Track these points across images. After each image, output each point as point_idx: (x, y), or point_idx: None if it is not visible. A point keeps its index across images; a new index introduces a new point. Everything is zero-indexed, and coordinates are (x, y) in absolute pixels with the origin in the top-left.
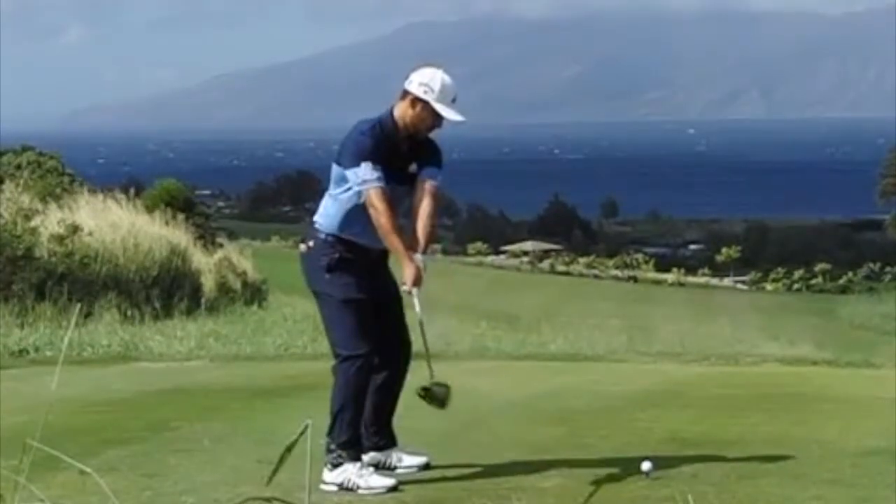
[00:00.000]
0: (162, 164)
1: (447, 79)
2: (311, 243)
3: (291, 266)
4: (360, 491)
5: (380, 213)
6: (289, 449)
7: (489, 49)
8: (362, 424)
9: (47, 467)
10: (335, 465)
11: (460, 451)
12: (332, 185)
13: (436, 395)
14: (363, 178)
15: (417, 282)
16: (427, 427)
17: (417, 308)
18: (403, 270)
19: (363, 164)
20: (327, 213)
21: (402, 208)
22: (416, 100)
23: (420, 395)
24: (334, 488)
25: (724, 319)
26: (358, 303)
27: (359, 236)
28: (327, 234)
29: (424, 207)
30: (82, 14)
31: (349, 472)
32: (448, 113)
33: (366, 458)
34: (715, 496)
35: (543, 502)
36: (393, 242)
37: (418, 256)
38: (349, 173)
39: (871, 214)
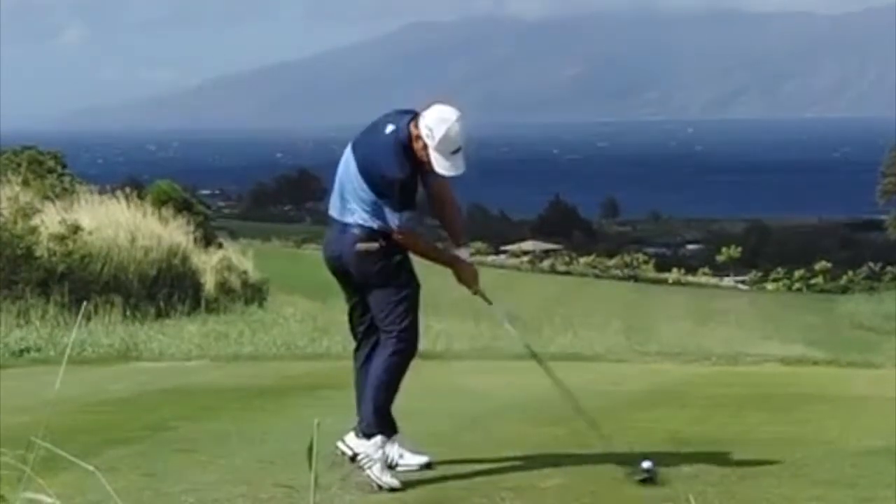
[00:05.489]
0: (162, 164)
1: (455, 129)
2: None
3: (292, 266)
4: (369, 472)
5: (415, 244)
6: (310, 449)
7: (489, 49)
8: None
9: (47, 467)
10: (368, 435)
11: (460, 451)
12: (353, 189)
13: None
14: (401, 224)
15: (475, 278)
16: (427, 428)
17: (498, 314)
18: (458, 275)
19: (405, 214)
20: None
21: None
22: (420, 136)
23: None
24: (350, 452)
25: (725, 319)
26: None
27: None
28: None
29: (447, 196)
30: (82, 14)
31: (374, 448)
32: (439, 164)
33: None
34: (715, 496)
35: (543, 502)
36: (436, 257)
37: (463, 252)
38: (388, 213)
39: (871, 214)
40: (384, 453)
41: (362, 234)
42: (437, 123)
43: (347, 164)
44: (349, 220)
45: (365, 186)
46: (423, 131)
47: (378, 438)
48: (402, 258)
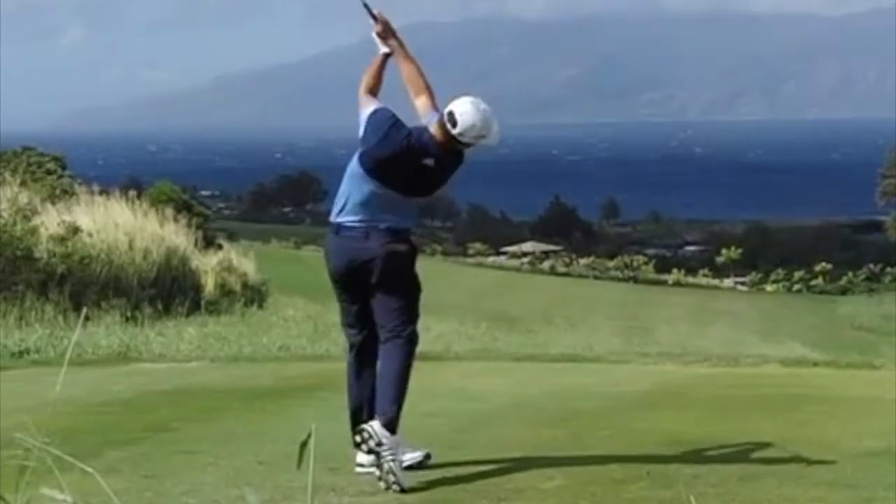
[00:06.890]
0: (162, 166)
1: (488, 119)
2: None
3: (291, 268)
4: (391, 464)
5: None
6: (302, 447)
7: (489, 49)
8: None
9: (47, 468)
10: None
11: (461, 452)
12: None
13: None
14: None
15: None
16: (427, 428)
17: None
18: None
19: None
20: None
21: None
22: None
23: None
24: (377, 438)
25: (725, 320)
26: None
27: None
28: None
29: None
30: (82, 14)
31: (396, 444)
32: (493, 141)
33: (367, 459)
34: (715, 497)
35: (543, 503)
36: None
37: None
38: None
39: (871, 215)
40: (401, 452)
41: (390, 237)
42: (483, 130)
43: (367, 188)
44: (377, 225)
45: (410, 200)
46: (472, 141)
47: (397, 436)
48: (414, 261)
